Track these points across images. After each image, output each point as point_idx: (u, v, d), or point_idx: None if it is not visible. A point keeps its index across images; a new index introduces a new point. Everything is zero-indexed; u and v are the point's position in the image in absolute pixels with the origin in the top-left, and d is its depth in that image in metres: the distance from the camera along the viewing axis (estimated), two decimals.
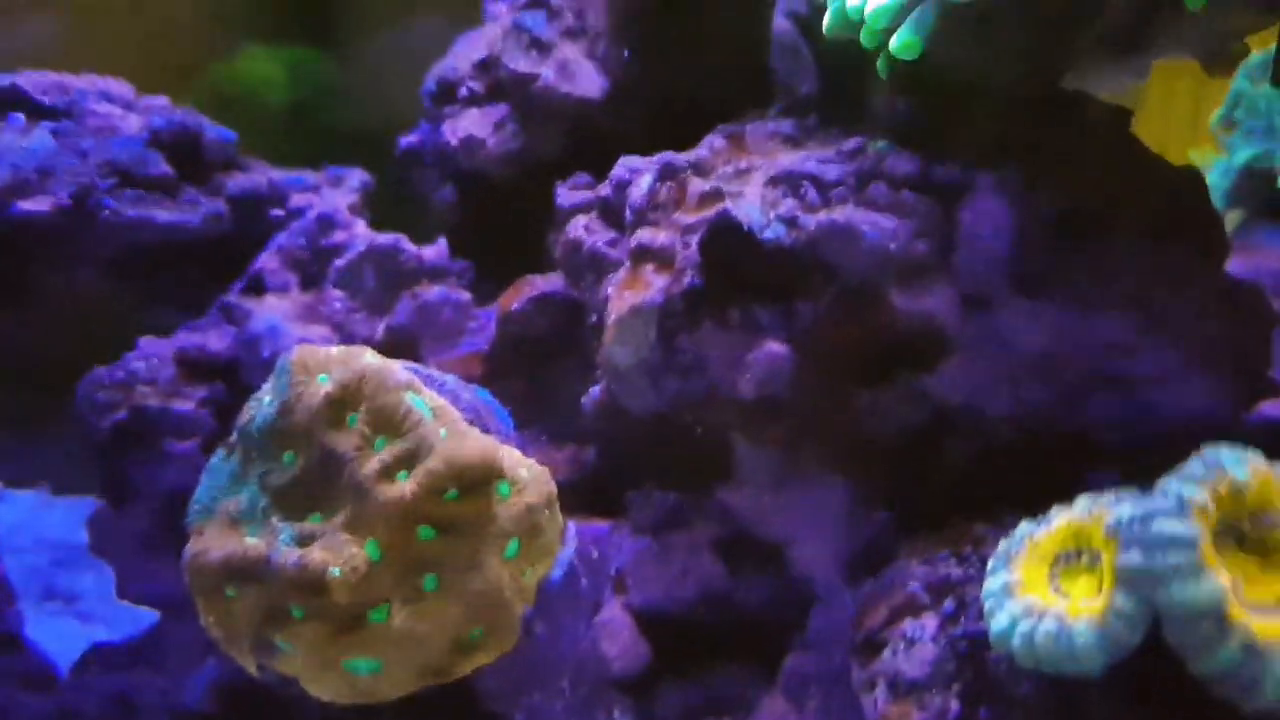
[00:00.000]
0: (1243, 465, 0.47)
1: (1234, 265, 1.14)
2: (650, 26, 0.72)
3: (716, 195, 0.59)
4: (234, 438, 0.61)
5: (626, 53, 0.73)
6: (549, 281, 0.71)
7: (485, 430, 0.65)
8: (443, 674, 0.62)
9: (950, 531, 0.64)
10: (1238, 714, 0.43)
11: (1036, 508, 0.54)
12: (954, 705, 0.51)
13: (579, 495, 0.68)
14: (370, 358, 0.63)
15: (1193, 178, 0.74)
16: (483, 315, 0.73)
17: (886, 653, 0.54)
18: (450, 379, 0.69)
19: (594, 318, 0.65)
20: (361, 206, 0.88)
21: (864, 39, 0.61)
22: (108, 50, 1.33)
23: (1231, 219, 1.19)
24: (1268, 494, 0.47)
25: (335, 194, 0.88)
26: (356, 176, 0.90)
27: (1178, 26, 0.70)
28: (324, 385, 0.61)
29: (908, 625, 0.54)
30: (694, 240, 0.58)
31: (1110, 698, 0.46)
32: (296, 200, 0.86)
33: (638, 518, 0.64)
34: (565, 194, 0.71)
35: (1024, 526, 0.51)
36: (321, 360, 0.63)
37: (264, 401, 0.61)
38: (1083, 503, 0.50)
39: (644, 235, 0.60)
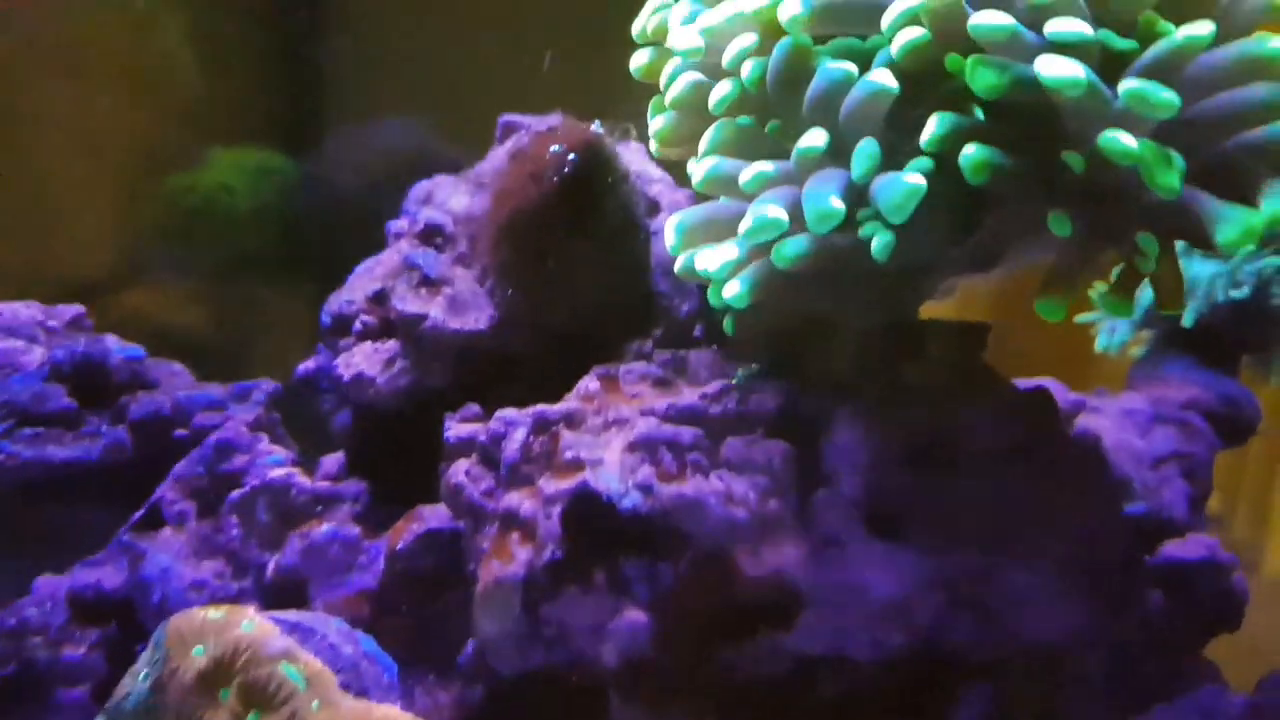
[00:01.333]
0: None
1: (1135, 398, 1.19)
2: (533, 264, 0.75)
3: (577, 465, 0.62)
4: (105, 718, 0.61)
5: (509, 290, 0.76)
6: (437, 515, 0.73)
7: (363, 690, 0.67)
8: None
9: None
10: None
11: None
12: None
13: None
14: (248, 624, 0.64)
15: (1042, 400, 0.77)
16: (373, 549, 0.75)
17: None
18: (334, 628, 0.70)
19: (471, 566, 0.67)
20: (267, 418, 0.90)
21: (710, 296, 0.65)
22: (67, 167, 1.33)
23: (1143, 337, 1.24)
24: None
25: (241, 409, 0.90)
26: (262, 389, 0.92)
27: (1040, 245, 0.74)
28: (198, 659, 0.62)
29: None
30: (555, 512, 0.60)
31: None
32: (200, 419, 0.88)
33: None
34: (453, 427, 0.74)
35: None
36: (198, 628, 0.64)
37: (139, 676, 0.62)
38: None
39: (511, 500, 0.62)
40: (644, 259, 0.80)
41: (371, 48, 1.55)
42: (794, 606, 0.62)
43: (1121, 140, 0.54)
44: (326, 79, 1.59)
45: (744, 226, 0.59)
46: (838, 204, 0.57)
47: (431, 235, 0.83)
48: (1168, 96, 0.54)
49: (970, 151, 0.56)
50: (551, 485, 0.62)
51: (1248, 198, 0.59)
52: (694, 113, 0.70)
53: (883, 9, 0.62)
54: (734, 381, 0.76)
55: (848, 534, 0.66)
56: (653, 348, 0.76)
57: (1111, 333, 1.24)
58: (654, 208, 0.82)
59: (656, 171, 0.88)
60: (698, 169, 0.65)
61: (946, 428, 0.72)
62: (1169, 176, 0.55)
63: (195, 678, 0.61)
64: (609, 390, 0.70)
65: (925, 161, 0.59)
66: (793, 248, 0.58)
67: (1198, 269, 1.18)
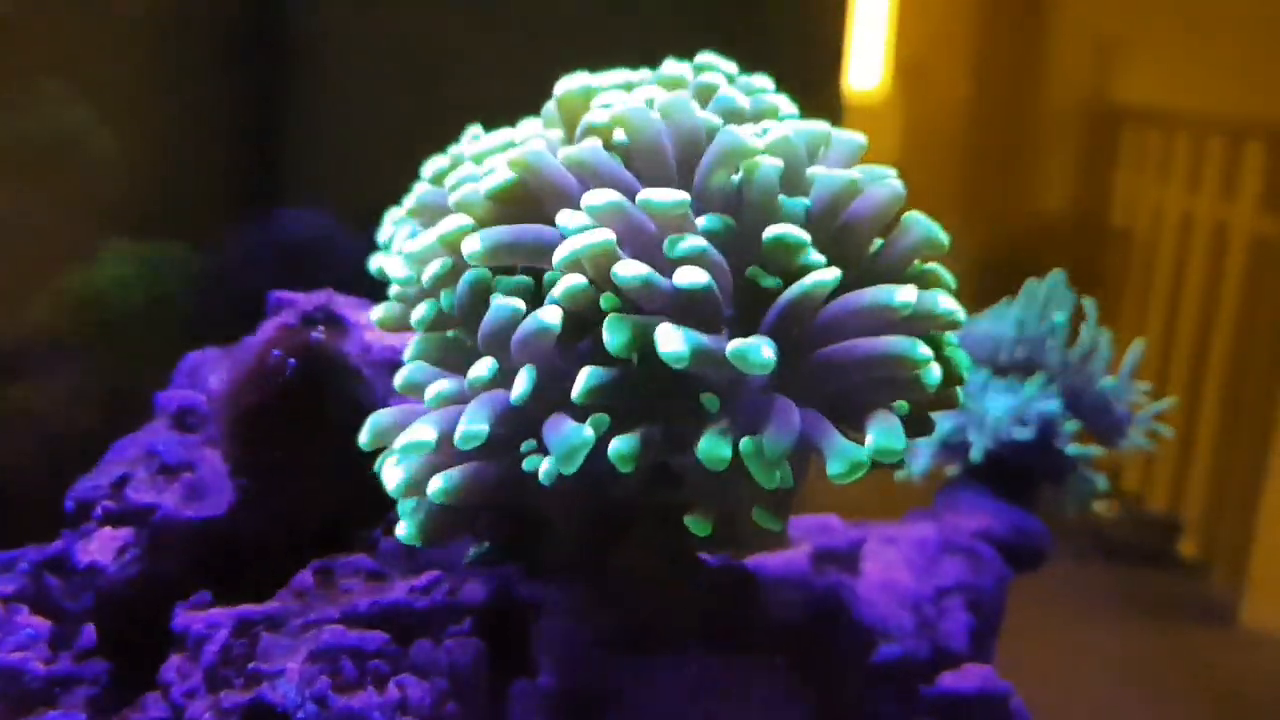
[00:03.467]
0: None
1: (929, 528, 1.25)
2: (261, 459, 0.79)
3: (257, 678, 0.66)
4: None
5: (244, 481, 0.80)
6: (159, 706, 0.76)
7: None
8: None
9: None
10: None
11: None
12: None
13: None
14: None
15: (744, 579, 0.83)
16: None
17: None
18: None
19: None
20: (33, 587, 0.92)
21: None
22: None
23: (950, 470, 1.31)
24: None
25: (4, 579, 0.92)
26: (28, 559, 0.94)
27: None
28: None
29: None
30: None
31: None
32: None
33: None
34: (178, 616, 0.77)
35: None
36: None
37: None
38: None
39: (194, 710, 0.66)
40: None
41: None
42: None
43: (716, 452, 0.61)
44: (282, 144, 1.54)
45: (399, 442, 0.64)
46: (480, 427, 0.62)
47: (185, 416, 0.87)
48: (764, 358, 0.61)
49: (616, 446, 0.62)
50: (230, 697, 0.66)
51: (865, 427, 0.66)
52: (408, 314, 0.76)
53: (553, 247, 0.68)
54: (467, 560, 0.80)
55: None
56: (381, 535, 0.81)
57: (911, 463, 1.31)
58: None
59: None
60: (398, 376, 0.71)
61: (648, 614, 0.78)
62: (771, 479, 0.61)
63: None
64: (322, 585, 0.75)
65: (602, 417, 0.64)
66: (446, 481, 0.64)
67: (993, 403, 1.26)
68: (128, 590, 0.80)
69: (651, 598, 0.78)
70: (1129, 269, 2.14)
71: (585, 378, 0.63)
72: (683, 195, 0.63)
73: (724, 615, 0.79)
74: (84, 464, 1.00)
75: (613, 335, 0.62)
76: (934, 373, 0.64)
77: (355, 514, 0.82)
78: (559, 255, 0.66)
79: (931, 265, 0.73)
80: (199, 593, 0.80)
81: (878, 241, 0.73)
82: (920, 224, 0.71)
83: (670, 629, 0.78)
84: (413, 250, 0.72)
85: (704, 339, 0.61)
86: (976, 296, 1.14)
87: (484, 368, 0.66)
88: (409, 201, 0.81)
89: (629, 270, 0.63)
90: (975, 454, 1.24)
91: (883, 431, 0.63)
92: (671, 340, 0.60)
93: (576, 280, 0.65)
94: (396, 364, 0.86)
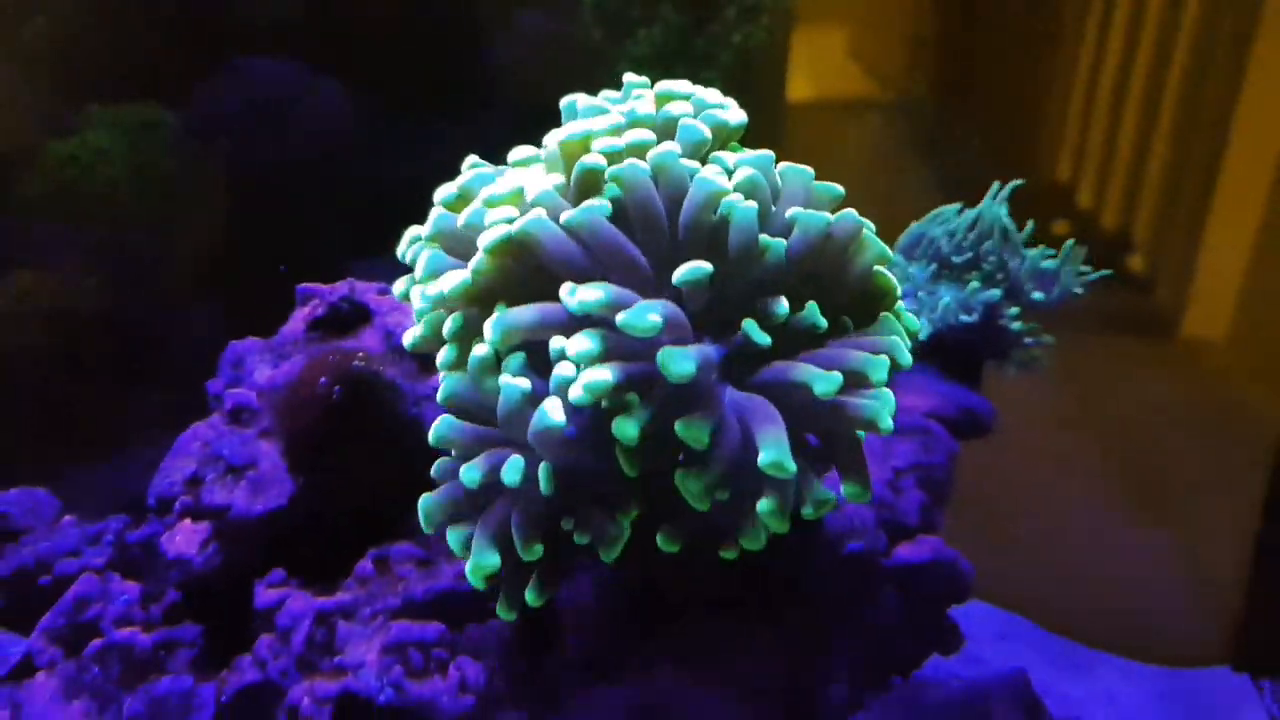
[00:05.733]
0: None
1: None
2: (316, 465, 0.91)
3: (342, 670, 0.81)
4: None
5: (301, 479, 0.92)
6: (251, 668, 0.91)
7: None
8: None
9: None
10: None
11: None
12: None
13: None
14: None
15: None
16: (206, 693, 0.93)
17: None
18: None
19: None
20: (120, 556, 1.07)
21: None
22: None
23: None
24: None
25: (94, 551, 1.06)
26: (111, 529, 1.08)
27: None
28: None
29: None
30: (327, 711, 0.80)
31: None
32: (61, 566, 1.04)
33: None
34: (260, 594, 0.91)
35: None
36: None
37: None
38: None
39: (295, 695, 0.81)
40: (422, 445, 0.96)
41: None
42: None
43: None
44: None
45: (469, 570, 0.75)
46: (537, 548, 0.73)
47: (239, 414, 0.98)
48: (790, 466, 0.71)
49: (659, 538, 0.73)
50: (323, 686, 0.81)
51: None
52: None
53: (559, 325, 0.76)
54: None
55: (566, 690, 0.86)
56: None
57: None
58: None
59: None
60: (433, 428, 0.81)
61: (666, 578, 0.92)
62: (783, 527, 0.73)
63: None
64: (381, 572, 0.89)
65: (633, 513, 0.75)
66: (534, 591, 0.76)
67: (945, 295, 1.37)
68: (212, 578, 0.94)
69: (661, 573, 0.92)
70: None
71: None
72: (657, 319, 0.71)
73: (727, 579, 0.93)
74: (95, 350, 1.04)
75: (625, 465, 0.72)
76: (889, 422, 0.76)
77: (400, 500, 0.95)
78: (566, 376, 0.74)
79: (882, 273, 0.83)
80: (273, 571, 0.94)
81: None
82: (874, 244, 0.81)
83: (680, 601, 0.92)
84: (429, 297, 0.80)
85: (712, 475, 0.72)
86: None
87: (515, 473, 0.73)
88: (427, 227, 0.88)
89: (633, 427, 0.71)
90: (922, 335, 1.35)
91: (853, 487, 0.75)
92: (693, 494, 0.71)
93: (578, 394, 0.73)
94: None
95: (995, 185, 1.36)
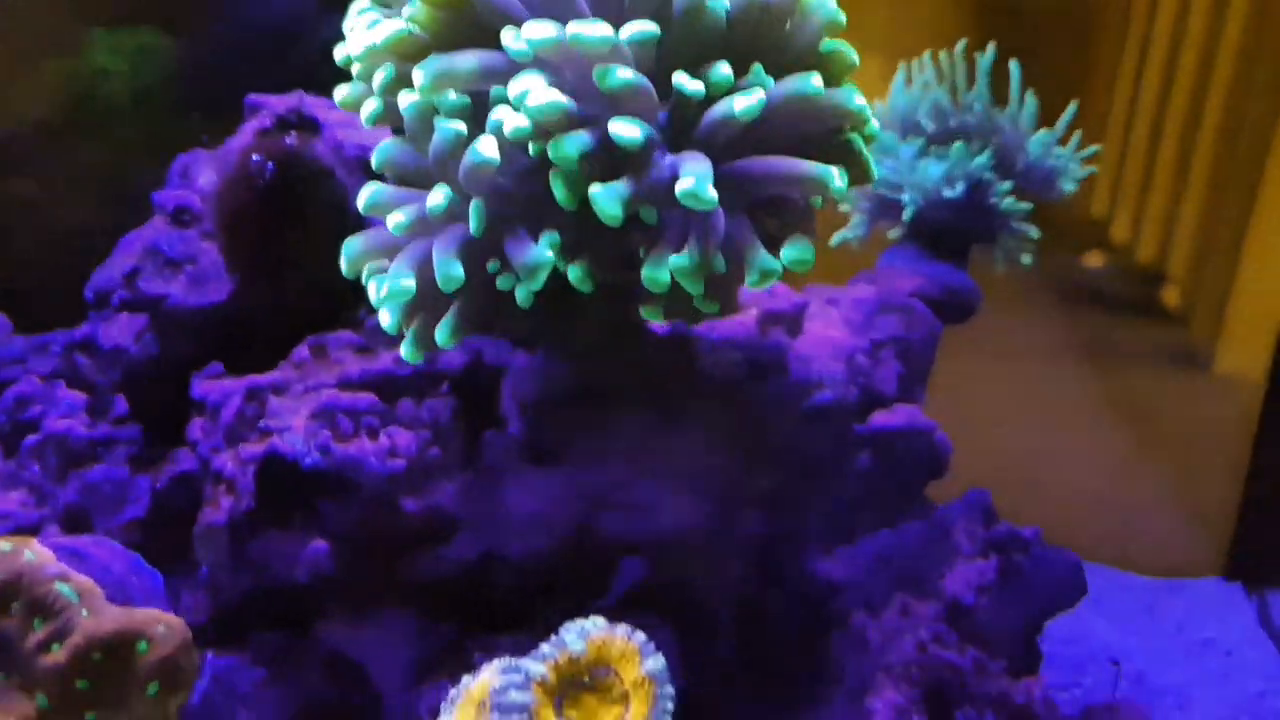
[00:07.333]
0: (580, 641, 0.71)
1: (867, 289, 1.38)
2: (251, 255, 0.91)
3: (268, 432, 0.80)
4: None
5: (238, 274, 0.92)
6: (187, 458, 0.91)
7: (128, 599, 0.86)
8: None
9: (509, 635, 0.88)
10: None
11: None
12: None
13: (221, 628, 0.90)
14: (29, 554, 0.83)
15: (685, 343, 0.96)
16: (143, 484, 0.93)
17: None
18: (107, 550, 0.89)
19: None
20: (65, 365, 1.06)
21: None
22: None
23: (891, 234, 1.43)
24: (602, 655, 0.71)
25: (40, 360, 1.06)
26: (59, 341, 1.07)
27: None
28: None
29: None
30: (250, 471, 0.79)
31: None
32: (4, 373, 1.03)
33: (256, 652, 0.87)
34: (196, 385, 0.91)
35: (467, 678, 0.75)
36: None
37: None
38: (492, 667, 0.74)
39: (218, 461, 0.81)
40: None
41: None
42: (450, 529, 0.83)
43: (657, 277, 0.72)
44: None
45: (382, 293, 0.75)
46: (460, 272, 0.72)
47: (181, 214, 0.97)
48: (707, 196, 0.70)
49: (573, 272, 0.72)
50: (247, 449, 0.80)
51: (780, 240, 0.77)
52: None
53: (495, 72, 0.75)
54: None
55: (507, 466, 0.86)
56: (366, 315, 0.93)
57: (852, 228, 1.43)
58: None
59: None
60: (360, 197, 0.80)
61: (600, 376, 0.92)
62: (697, 287, 0.72)
63: None
64: (317, 357, 0.88)
65: (554, 236, 0.74)
66: (447, 329, 0.75)
67: (929, 169, 1.36)
68: (149, 368, 0.94)
69: (602, 362, 0.92)
70: (1130, 12, 2.11)
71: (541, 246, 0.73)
72: (607, 31, 0.70)
73: (666, 376, 0.93)
74: (86, 252, 1.08)
75: (559, 191, 0.71)
76: (838, 183, 0.74)
77: (343, 298, 0.94)
78: (515, 87, 0.72)
79: (836, 44, 0.81)
80: (211, 365, 0.93)
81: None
82: (822, 7, 0.80)
83: (618, 389, 0.92)
84: (361, 48, 0.79)
85: (632, 188, 0.71)
86: None
87: (440, 198, 0.74)
88: None
89: (574, 145, 0.71)
90: (907, 214, 1.33)
91: (796, 247, 0.74)
92: (608, 201, 0.69)
93: (520, 123, 0.72)
94: (367, 160, 0.95)
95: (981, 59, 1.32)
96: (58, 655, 0.83)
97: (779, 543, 1.07)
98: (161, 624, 0.87)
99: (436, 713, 0.78)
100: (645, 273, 0.73)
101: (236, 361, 0.94)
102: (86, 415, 0.99)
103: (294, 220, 0.88)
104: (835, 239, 1.41)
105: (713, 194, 0.70)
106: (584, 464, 0.88)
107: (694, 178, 0.70)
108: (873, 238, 1.42)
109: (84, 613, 0.84)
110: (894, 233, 1.40)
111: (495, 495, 0.84)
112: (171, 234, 0.95)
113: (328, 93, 0.87)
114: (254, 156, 0.85)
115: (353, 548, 0.80)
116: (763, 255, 0.74)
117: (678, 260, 0.72)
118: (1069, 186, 1.34)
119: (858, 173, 0.82)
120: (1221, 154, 1.80)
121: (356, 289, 0.95)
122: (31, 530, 0.96)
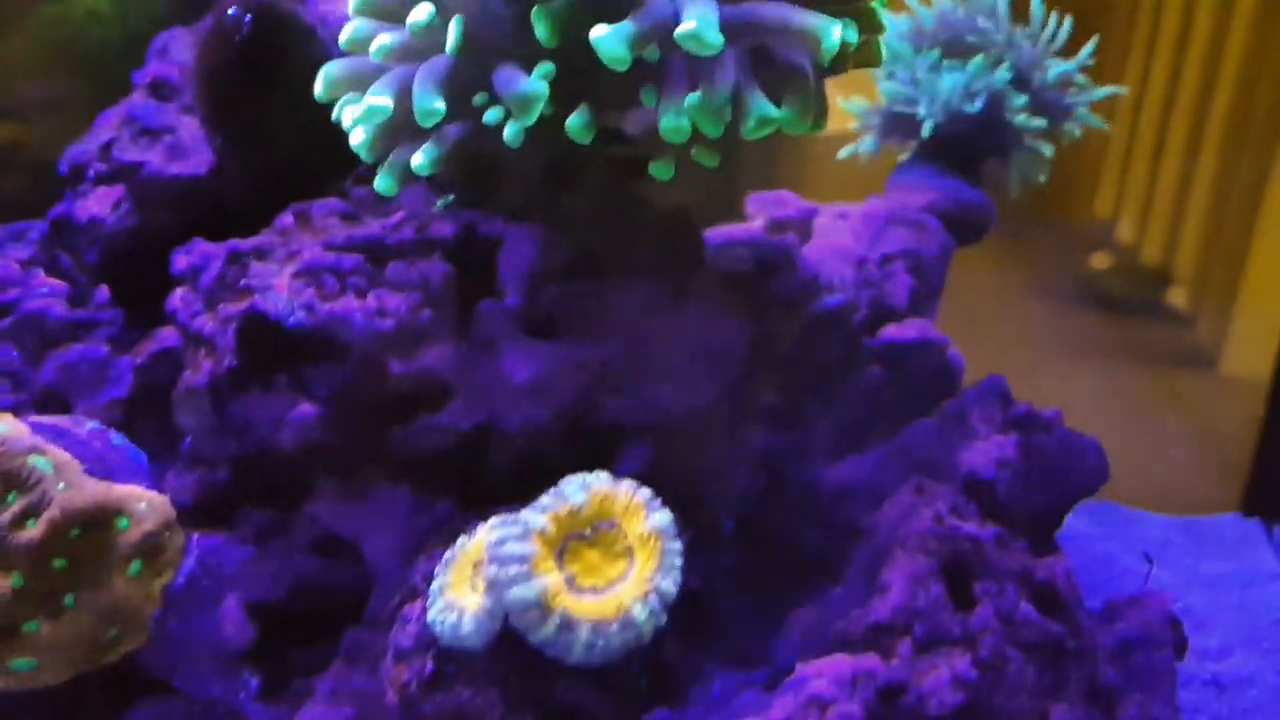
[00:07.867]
0: (582, 492, 0.67)
1: (878, 204, 1.34)
2: (230, 116, 0.86)
3: (249, 291, 0.76)
4: None
5: (218, 139, 0.87)
6: (171, 336, 0.87)
7: (108, 475, 0.82)
8: (92, 663, 0.81)
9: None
10: (563, 667, 0.65)
11: None
12: (429, 665, 0.71)
13: (208, 510, 0.86)
14: (2, 426, 0.79)
15: (688, 222, 0.92)
16: (124, 364, 0.89)
17: (395, 628, 0.74)
18: (86, 428, 0.85)
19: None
20: (43, 254, 1.02)
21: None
22: None
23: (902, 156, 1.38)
24: (605, 509, 0.67)
25: (16, 248, 1.01)
26: (36, 230, 1.03)
27: None
28: None
29: (407, 608, 0.74)
30: (231, 329, 0.75)
31: (490, 660, 0.66)
32: None
33: (244, 531, 0.83)
34: (179, 257, 0.87)
35: (463, 538, 0.71)
36: None
37: None
38: (488, 525, 0.70)
39: (197, 323, 0.77)
40: None
41: None
42: (442, 395, 0.79)
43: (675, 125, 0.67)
44: None
45: (357, 113, 0.70)
46: (440, 105, 0.68)
47: (159, 87, 0.93)
48: (712, 39, 0.66)
49: (571, 121, 0.67)
50: (227, 308, 0.76)
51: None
52: None
53: None
54: (435, 209, 0.89)
55: (503, 336, 0.82)
56: (352, 185, 0.89)
57: (862, 143, 1.38)
58: None
59: None
60: (342, 33, 0.76)
61: (600, 247, 0.87)
62: (716, 128, 0.67)
63: None
64: (301, 225, 0.83)
65: (548, 66, 0.69)
66: (426, 156, 0.70)
67: (947, 80, 1.31)
68: (127, 241, 0.89)
69: (602, 233, 0.87)
70: (1137, 13, 2.11)
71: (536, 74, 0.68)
72: None
73: (670, 253, 0.89)
74: None
75: (541, 29, 0.67)
76: (833, 39, 0.70)
77: (329, 170, 0.90)
78: None
79: None
80: (193, 241, 0.89)
81: None
82: None
83: (619, 261, 0.87)
84: None
85: (637, 28, 0.66)
86: None
87: (423, 13, 0.70)
88: None
89: None
90: (926, 130, 1.29)
91: (796, 101, 0.70)
92: (609, 42, 0.65)
93: None
94: None
95: None
96: (33, 531, 0.79)
97: (787, 454, 1.03)
98: (144, 500, 0.83)
99: (431, 578, 0.74)
100: (663, 123, 0.69)
101: (218, 239, 0.90)
102: (66, 304, 0.94)
103: (275, 78, 0.84)
104: (843, 152, 1.36)
105: (718, 36, 0.65)
106: (585, 337, 0.84)
107: (696, 20, 0.66)
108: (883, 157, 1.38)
109: (61, 486, 0.79)
110: (903, 157, 1.36)
111: (491, 363, 0.80)
112: (149, 105, 0.90)
113: None
114: (230, 10, 0.80)
115: (341, 413, 0.76)
116: (761, 101, 0.70)
117: (693, 99, 0.68)
118: (1074, 130, 1.30)
119: (868, 23, 0.77)
120: (1227, 156, 1.80)
121: (342, 159, 0.90)
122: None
